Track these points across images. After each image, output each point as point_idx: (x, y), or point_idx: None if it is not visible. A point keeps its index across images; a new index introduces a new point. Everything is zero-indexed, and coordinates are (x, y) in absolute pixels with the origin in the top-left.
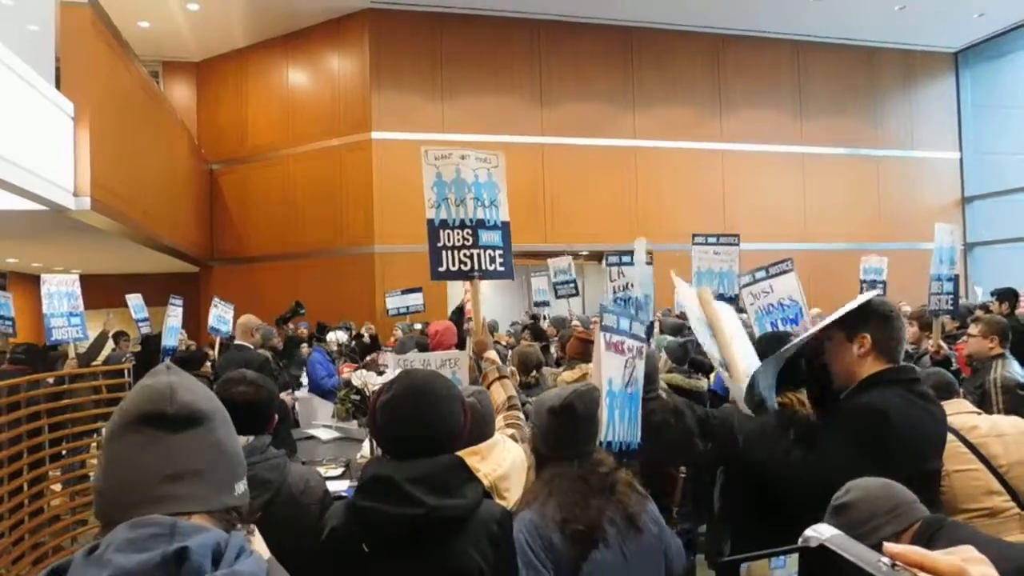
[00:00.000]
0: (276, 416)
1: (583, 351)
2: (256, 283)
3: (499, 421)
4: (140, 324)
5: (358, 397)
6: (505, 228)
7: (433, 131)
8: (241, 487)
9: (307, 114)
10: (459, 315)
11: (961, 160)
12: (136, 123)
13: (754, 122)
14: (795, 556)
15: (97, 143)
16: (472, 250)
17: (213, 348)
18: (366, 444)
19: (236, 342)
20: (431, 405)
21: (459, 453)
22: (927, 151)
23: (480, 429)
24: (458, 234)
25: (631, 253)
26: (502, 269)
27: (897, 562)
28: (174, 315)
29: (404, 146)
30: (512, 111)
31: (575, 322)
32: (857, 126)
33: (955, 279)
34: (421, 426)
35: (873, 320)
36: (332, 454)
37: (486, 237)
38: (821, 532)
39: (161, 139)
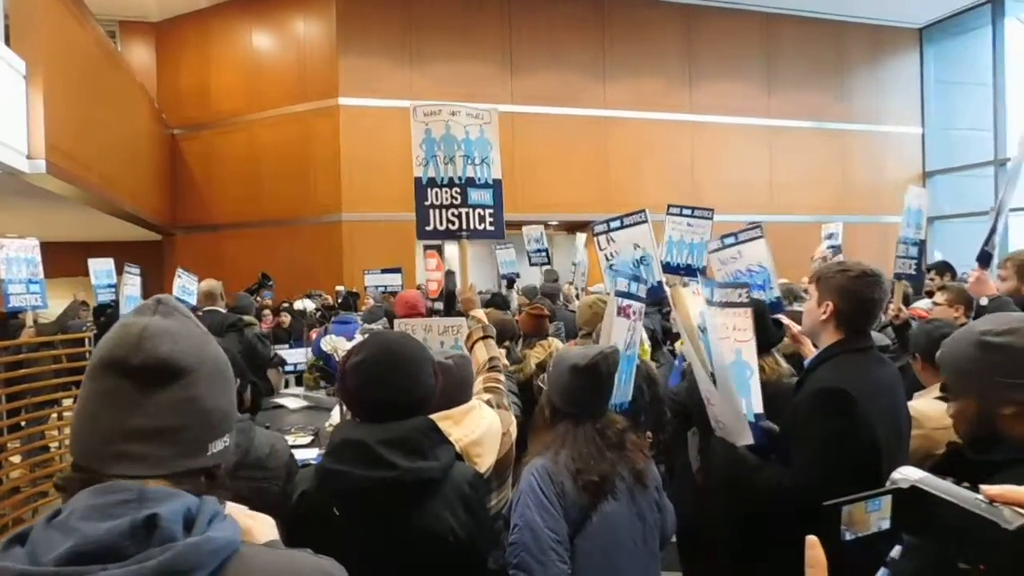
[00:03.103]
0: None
1: (537, 327)
2: (221, 252)
3: (478, 383)
4: (100, 292)
5: (325, 366)
6: (497, 186)
7: (402, 98)
8: (219, 445)
9: (273, 79)
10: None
11: (923, 135)
12: (93, 84)
13: (724, 94)
14: (887, 501)
15: (51, 104)
16: (460, 209)
17: None
18: (335, 412)
19: (205, 308)
20: (403, 367)
21: (432, 417)
22: (891, 126)
23: (455, 393)
24: (446, 192)
25: (619, 219)
26: (492, 229)
27: (995, 500)
28: (132, 284)
29: (372, 113)
30: (482, 79)
31: (568, 288)
32: (824, 100)
33: (921, 244)
34: (393, 388)
35: (843, 293)
36: (301, 423)
37: (476, 196)
38: (909, 474)
39: (119, 102)
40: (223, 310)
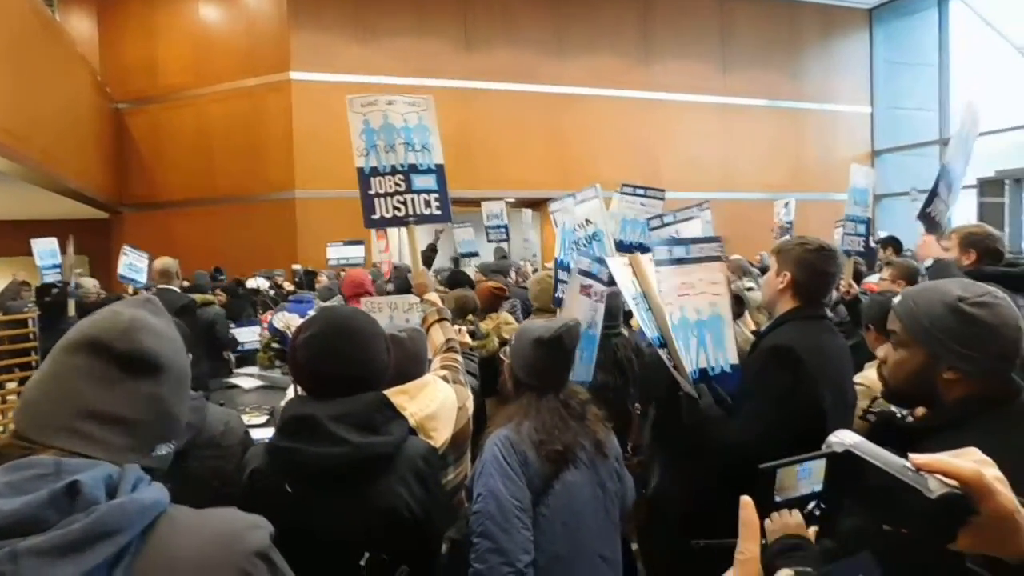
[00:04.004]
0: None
1: (493, 303)
2: (171, 230)
3: (435, 363)
4: (45, 272)
5: (279, 345)
6: (440, 171)
7: (356, 73)
8: (163, 450)
9: (222, 52)
10: (431, 253)
11: (872, 114)
12: (28, 54)
13: (680, 72)
14: (819, 466)
15: None
16: (406, 195)
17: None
18: (291, 391)
19: (159, 286)
20: (354, 342)
21: (387, 392)
22: (842, 105)
23: (409, 367)
24: (390, 180)
25: (573, 195)
26: (439, 213)
27: (921, 468)
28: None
29: (325, 88)
30: (438, 54)
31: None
32: (778, 79)
33: (868, 222)
34: (344, 363)
35: (801, 264)
36: (255, 402)
37: (420, 181)
38: (844, 439)
39: (59, 74)
40: (178, 289)
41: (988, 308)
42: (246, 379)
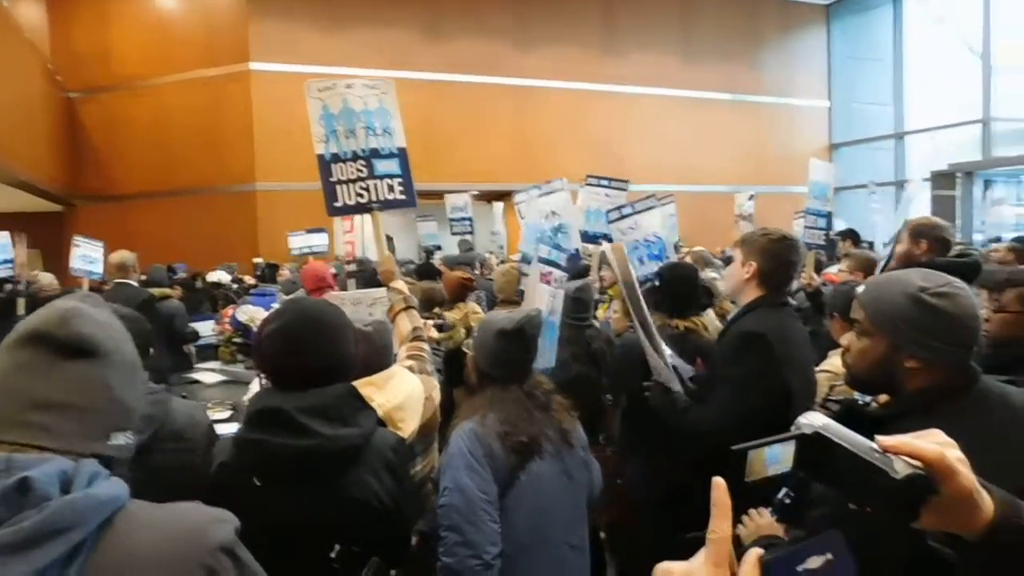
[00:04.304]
0: (152, 350)
1: (461, 293)
2: (128, 223)
3: (402, 352)
4: None
5: (242, 338)
6: (403, 155)
7: (318, 64)
8: (120, 439)
9: (179, 41)
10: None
11: (830, 108)
12: None
13: (643, 65)
14: (786, 451)
15: None
16: (368, 181)
17: (82, 290)
18: (254, 385)
19: (116, 280)
20: (323, 333)
21: (354, 383)
22: (801, 99)
23: (376, 360)
24: (351, 167)
25: (538, 187)
26: (403, 198)
27: (888, 450)
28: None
29: (287, 79)
30: (403, 45)
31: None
32: (738, 73)
33: (828, 215)
34: (313, 355)
35: (766, 253)
36: (218, 397)
37: (382, 166)
38: (813, 420)
39: (6, 61)
40: (135, 283)
41: (948, 298)
42: (207, 374)
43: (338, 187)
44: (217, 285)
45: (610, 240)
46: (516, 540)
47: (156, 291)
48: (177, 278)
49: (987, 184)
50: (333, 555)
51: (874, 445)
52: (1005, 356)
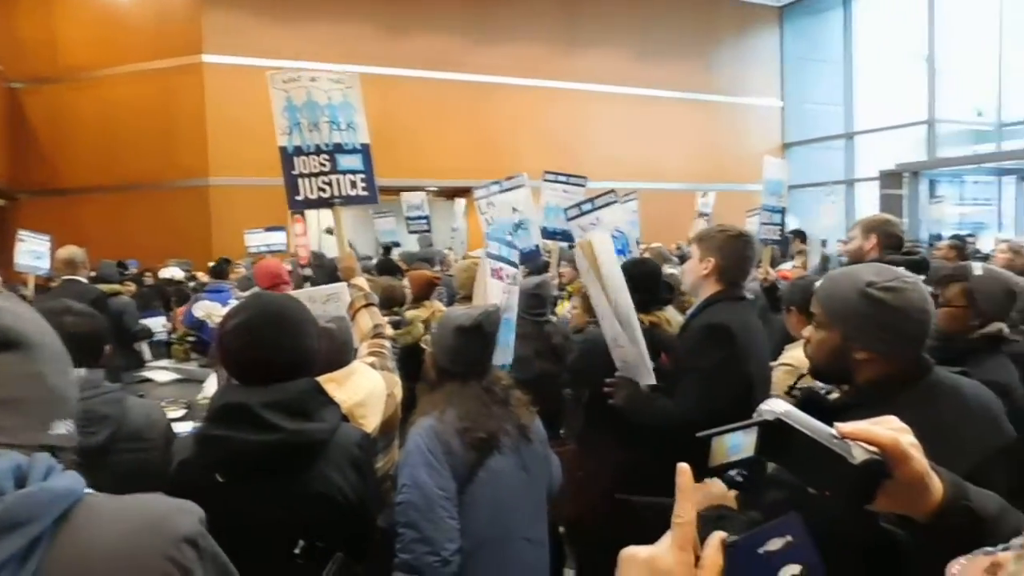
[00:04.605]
0: (107, 348)
1: (427, 291)
2: (76, 218)
3: (363, 349)
4: None
5: (197, 335)
6: (366, 151)
7: (272, 57)
8: (61, 428)
9: (128, 31)
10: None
11: (783, 108)
12: None
13: (601, 63)
14: (748, 440)
15: None
16: (331, 176)
17: (27, 287)
18: (208, 383)
19: (65, 277)
20: (286, 328)
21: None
22: (754, 98)
23: (337, 357)
24: (314, 160)
25: (498, 183)
26: (365, 194)
27: (846, 436)
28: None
29: (241, 72)
30: (359, 40)
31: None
32: (694, 72)
33: (783, 211)
34: (276, 349)
35: (724, 249)
36: (171, 396)
37: (345, 162)
38: (775, 407)
39: None
40: (84, 279)
41: (895, 292)
42: (160, 372)
43: (300, 180)
44: (169, 282)
45: (570, 237)
46: (475, 536)
47: (106, 288)
48: (128, 274)
49: (932, 183)
50: (297, 551)
51: (833, 432)
52: (951, 349)
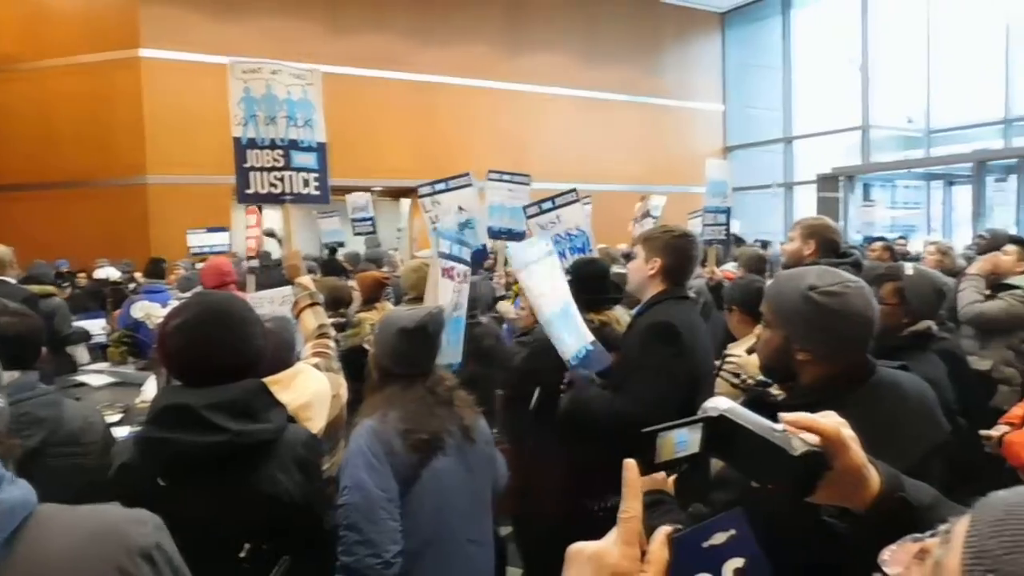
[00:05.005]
0: (43, 350)
1: (377, 292)
2: (8, 216)
3: (307, 349)
4: None
5: (133, 336)
6: (321, 150)
7: (213, 53)
8: None
9: (60, 22)
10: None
11: (725, 112)
12: None
13: (547, 65)
14: (694, 436)
15: None
16: (283, 172)
17: None
18: (147, 386)
19: None
20: (231, 327)
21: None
22: (697, 102)
23: (279, 356)
24: (268, 155)
25: (444, 181)
26: (317, 193)
27: (788, 427)
28: None
29: (179, 67)
30: (303, 37)
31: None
32: (638, 75)
33: (728, 211)
34: (221, 348)
35: (669, 250)
36: (108, 400)
37: (299, 159)
38: (719, 404)
39: None
40: (13, 280)
41: (836, 296)
42: (95, 376)
43: (251, 174)
44: (105, 282)
45: (517, 235)
46: (418, 537)
47: (36, 288)
48: (61, 274)
49: (866, 187)
50: (243, 554)
51: (775, 426)
52: (885, 346)
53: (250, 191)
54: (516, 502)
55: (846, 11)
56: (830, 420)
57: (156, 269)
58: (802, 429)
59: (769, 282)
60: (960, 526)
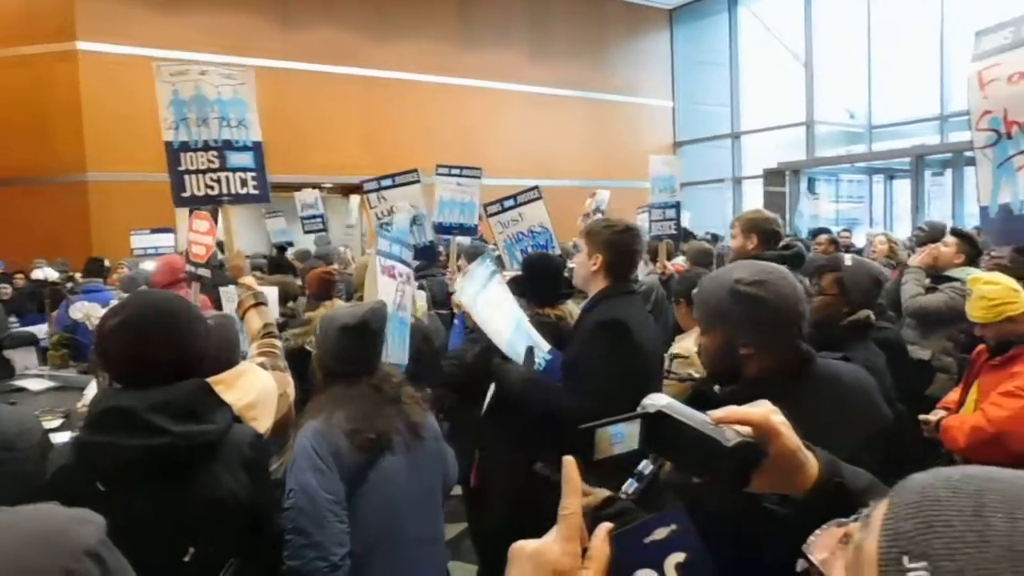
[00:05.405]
0: None
1: (325, 289)
2: None
3: (252, 349)
4: None
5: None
6: (257, 148)
7: (156, 46)
8: None
9: None
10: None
11: (674, 108)
12: None
13: (498, 60)
14: (632, 430)
15: None
16: (220, 173)
17: None
18: (89, 390)
19: None
20: (173, 325)
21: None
22: (647, 98)
23: (222, 354)
24: (202, 157)
25: (390, 177)
26: (256, 192)
27: (720, 421)
28: None
29: (120, 61)
30: (251, 31)
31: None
32: (588, 71)
33: (677, 206)
34: (162, 348)
35: (611, 245)
36: (48, 405)
37: (235, 159)
38: (656, 400)
39: None
40: None
41: (762, 285)
42: (34, 380)
43: (186, 177)
44: (43, 283)
45: (468, 229)
46: (366, 538)
47: None
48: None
49: (811, 181)
50: (187, 559)
51: (708, 419)
52: (827, 335)
53: (186, 194)
54: (469, 500)
55: (791, 8)
56: (759, 409)
57: (96, 268)
58: (733, 423)
59: (696, 291)
60: (879, 510)
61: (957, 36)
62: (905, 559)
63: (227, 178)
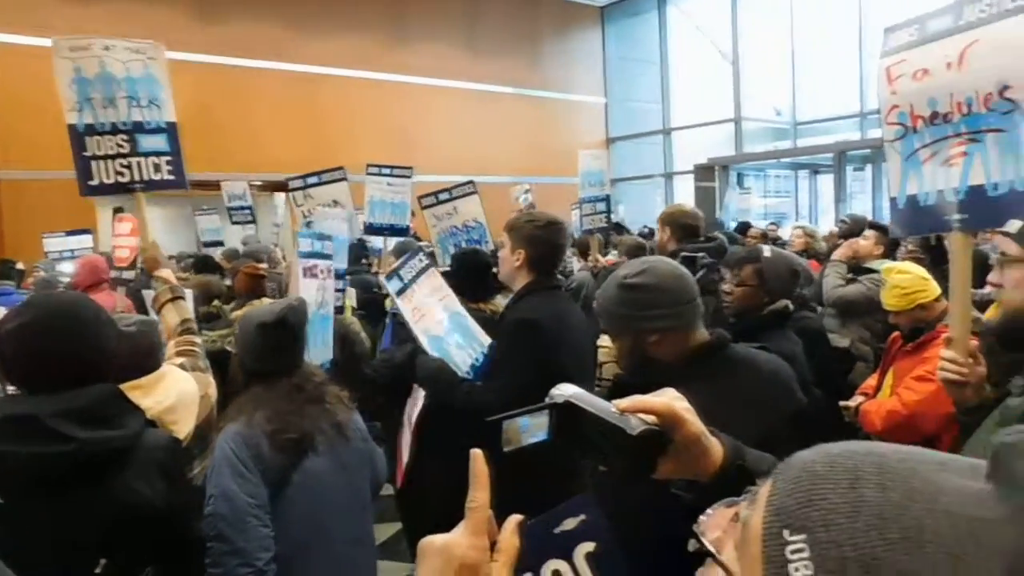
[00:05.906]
0: None
1: (253, 287)
2: None
3: (170, 348)
4: None
5: None
6: (172, 130)
7: (70, 37)
8: None
9: None
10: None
11: (606, 105)
12: None
13: (431, 56)
14: (538, 420)
15: None
16: (130, 158)
17: None
18: None
19: None
20: (77, 328)
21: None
22: (579, 95)
23: (143, 362)
24: (111, 141)
25: (316, 175)
26: (171, 178)
27: (626, 410)
28: None
29: (31, 52)
30: (169, 23)
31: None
32: (521, 68)
33: (607, 199)
34: (67, 351)
35: (533, 240)
36: None
37: (148, 143)
38: (564, 391)
39: None
40: None
41: (645, 274)
42: None
43: (93, 163)
44: None
45: (399, 230)
46: (293, 541)
47: None
48: None
49: (740, 177)
50: (99, 570)
51: (614, 408)
52: (748, 324)
53: (94, 182)
54: (402, 499)
55: (718, 7)
56: (663, 397)
57: (6, 271)
58: (639, 411)
59: (596, 301)
60: (765, 487)
61: (875, 35)
62: (786, 532)
63: (139, 163)
